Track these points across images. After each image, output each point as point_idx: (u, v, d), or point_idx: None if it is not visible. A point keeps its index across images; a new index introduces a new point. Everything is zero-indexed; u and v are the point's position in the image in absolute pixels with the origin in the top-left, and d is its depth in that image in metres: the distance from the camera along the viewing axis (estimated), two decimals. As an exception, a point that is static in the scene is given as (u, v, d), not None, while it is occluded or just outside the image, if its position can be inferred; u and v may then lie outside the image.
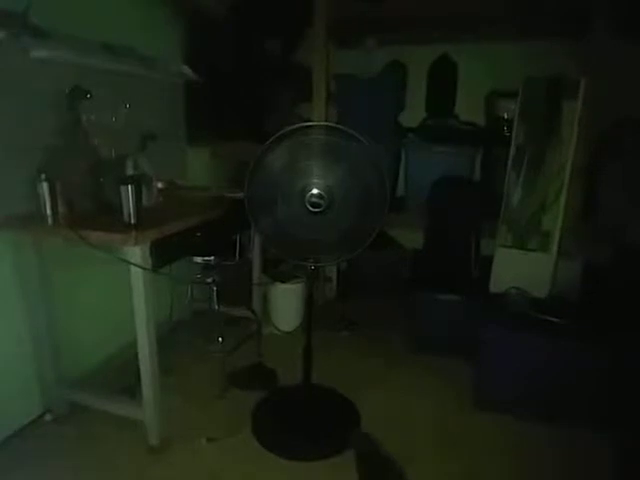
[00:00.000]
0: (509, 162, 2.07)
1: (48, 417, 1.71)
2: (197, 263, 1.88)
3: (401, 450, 1.56)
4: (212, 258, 1.85)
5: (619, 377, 1.64)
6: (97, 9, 1.77)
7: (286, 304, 2.41)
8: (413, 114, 2.66)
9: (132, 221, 1.40)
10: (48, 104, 1.57)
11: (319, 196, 1.40)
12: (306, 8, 2.28)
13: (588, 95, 1.93)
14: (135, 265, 1.39)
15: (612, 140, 2.22)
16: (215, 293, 1.92)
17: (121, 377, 1.78)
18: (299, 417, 1.74)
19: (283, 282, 2.36)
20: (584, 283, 2.02)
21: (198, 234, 1.65)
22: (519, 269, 2.03)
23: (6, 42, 1.38)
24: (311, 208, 1.41)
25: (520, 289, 1.94)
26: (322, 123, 1.52)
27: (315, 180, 1.41)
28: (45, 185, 1.46)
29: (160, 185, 1.80)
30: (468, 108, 2.60)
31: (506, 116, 2.41)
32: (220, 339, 1.91)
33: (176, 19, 2.26)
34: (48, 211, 1.48)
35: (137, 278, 1.41)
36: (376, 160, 1.38)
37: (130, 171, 1.59)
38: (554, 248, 2.01)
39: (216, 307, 1.94)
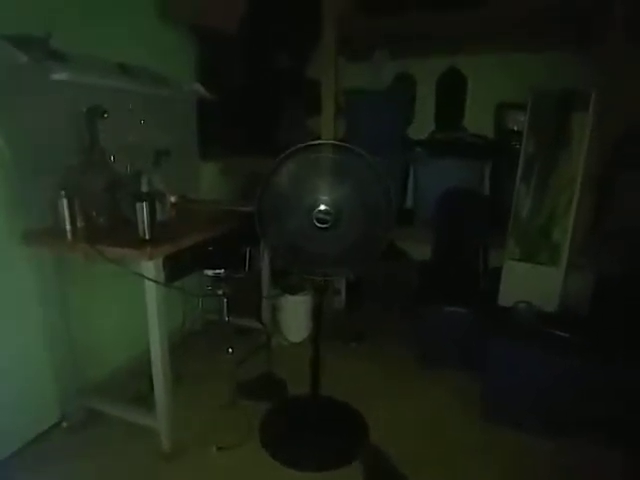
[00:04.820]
0: (518, 175, 2.07)
1: (65, 424, 1.77)
2: (208, 275, 1.93)
3: (408, 462, 1.57)
4: (222, 271, 1.90)
5: (629, 393, 1.63)
6: (113, 32, 1.85)
7: (295, 315, 2.44)
8: (422, 127, 2.67)
9: (147, 236, 1.45)
10: (67, 123, 1.63)
11: (326, 212, 1.43)
12: (316, 23, 2.33)
13: (599, 107, 1.93)
14: (149, 279, 1.44)
15: (624, 151, 2.20)
16: (225, 305, 1.96)
17: (135, 386, 1.83)
18: (307, 428, 1.76)
19: (292, 294, 2.39)
20: (594, 297, 2.00)
21: (209, 248, 1.70)
22: (528, 282, 2.03)
23: (28, 66, 1.45)
24: (318, 224, 1.44)
25: (529, 303, 1.94)
26: (330, 141, 1.55)
27: (322, 197, 1.44)
28: (65, 201, 1.53)
29: (173, 200, 1.85)
30: (477, 120, 2.61)
31: (516, 128, 2.41)
32: (230, 349, 1.95)
33: (188, 39, 2.33)
34: (67, 226, 1.54)
35: (151, 291, 1.46)
36: (382, 177, 1.41)
37: (145, 188, 1.64)
38: (563, 261, 2.00)
39: (226, 318, 1.98)
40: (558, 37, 2.33)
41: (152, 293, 1.46)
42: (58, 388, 1.75)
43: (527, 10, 2.05)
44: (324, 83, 2.42)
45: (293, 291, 2.38)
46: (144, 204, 1.44)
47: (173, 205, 1.86)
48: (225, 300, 1.96)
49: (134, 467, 1.58)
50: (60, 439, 1.71)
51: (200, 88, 2.23)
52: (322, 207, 1.44)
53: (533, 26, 2.21)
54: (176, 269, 1.56)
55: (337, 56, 2.39)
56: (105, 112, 1.65)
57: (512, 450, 1.67)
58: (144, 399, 1.72)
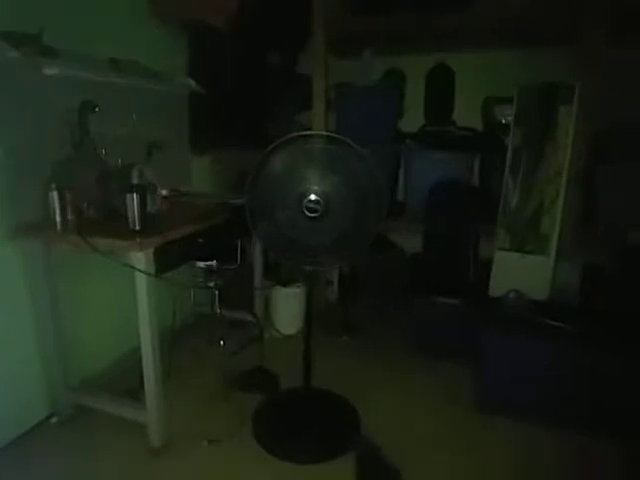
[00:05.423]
0: (506, 167, 2.10)
1: (54, 419, 1.76)
2: (200, 268, 1.92)
3: (401, 454, 1.57)
4: (214, 263, 1.89)
5: (619, 381, 1.65)
6: (105, 28, 1.85)
7: (287, 307, 2.44)
8: (412, 120, 2.69)
9: (137, 228, 1.45)
10: (59, 117, 1.63)
11: (316, 202, 1.44)
12: (307, 20, 2.35)
13: (583, 100, 1.96)
14: (139, 271, 1.43)
15: (608, 143, 2.24)
16: (217, 297, 1.96)
17: (125, 380, 1.83)
18: (299, 420, 1.77)
19: (284, 286, 2.40)
20: (583, 286, 2.03)
21: (200, 240, 1.70)
22: (518, 272, 2.05)
23: (21, 61, 1.45)
24: (308, 213, 1.45)
25: (519, 292, 1.96)
26: (320, 132, 1.56)
27: (313, 187, 1.45)
28: (55, 194, 1.54)
29: (164, 192, 1.85)
30: (466, 114, 2.63)
31: (503, 121, 2.44)
32: (222, 342, 1.94)
33: (180, 34, 2.33)
34: (58, 218, 1.55)
35: (141, 283, 1.46)
36: (372, 168, 1.42)
37: (135, 180, 1.64)
38: (552, 251, 2.03)
39: (218, 311, 1.97)
40: (542, 34, 2.37)
41: (142, 285, 1.46)
42: (47, 383, 1.74)
43: (511, 10, 2.08)
44: (315, 80, 2.44)
45: (285, 283, 2.38)
46: (134, 195, 1.44)
47: (164, 198, 1.86)
48: (217, 292, 1.96)
49: (124, 462, 1.57)
50: (49, 435, 1.70)
51: (191, 82, 2.23)
52: (312, 197, 1.45)
53: (517, 25, 2.24)
54: (167, 261, 1.56)
55: (327, 54, 2.42)
56: (96, 107, 1.65)
57: (505, 440, 1.68)
58: (134, 394, 1.71)
